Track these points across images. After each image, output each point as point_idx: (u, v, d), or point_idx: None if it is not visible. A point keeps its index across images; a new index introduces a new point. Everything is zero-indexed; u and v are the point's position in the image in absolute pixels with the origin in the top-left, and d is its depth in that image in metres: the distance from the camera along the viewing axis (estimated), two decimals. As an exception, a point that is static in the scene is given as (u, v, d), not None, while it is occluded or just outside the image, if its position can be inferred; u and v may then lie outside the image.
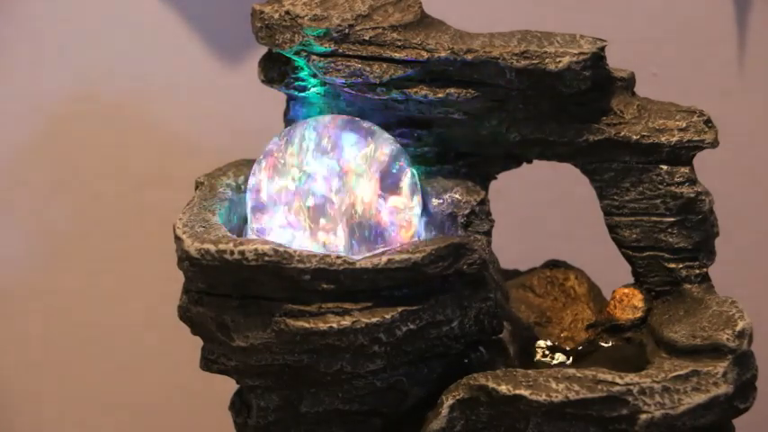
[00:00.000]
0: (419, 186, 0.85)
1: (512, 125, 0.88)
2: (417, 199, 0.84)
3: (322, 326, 0.78)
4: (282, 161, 0.83)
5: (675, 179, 0.88)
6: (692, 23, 1.26)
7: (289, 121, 0.89)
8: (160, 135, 1.24)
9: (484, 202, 0.87)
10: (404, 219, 0.83)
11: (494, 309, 0.83)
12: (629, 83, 0.89)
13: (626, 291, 0.91)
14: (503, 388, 0.79)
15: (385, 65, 0.85)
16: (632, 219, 0.89)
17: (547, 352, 0.90)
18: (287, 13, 0.84)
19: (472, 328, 0.83)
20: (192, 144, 1.23)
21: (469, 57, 0.84)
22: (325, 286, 0.78)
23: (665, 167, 0.88)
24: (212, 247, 0.78)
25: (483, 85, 0.86)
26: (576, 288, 0.94)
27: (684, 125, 0.87)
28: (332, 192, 0.82)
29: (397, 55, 0.85)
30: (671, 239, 0.88)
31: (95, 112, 1.23)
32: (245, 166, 0.88)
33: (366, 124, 0.85)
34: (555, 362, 0.89)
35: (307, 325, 0.78)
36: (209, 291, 0.80)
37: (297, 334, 0.78)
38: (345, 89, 0.86)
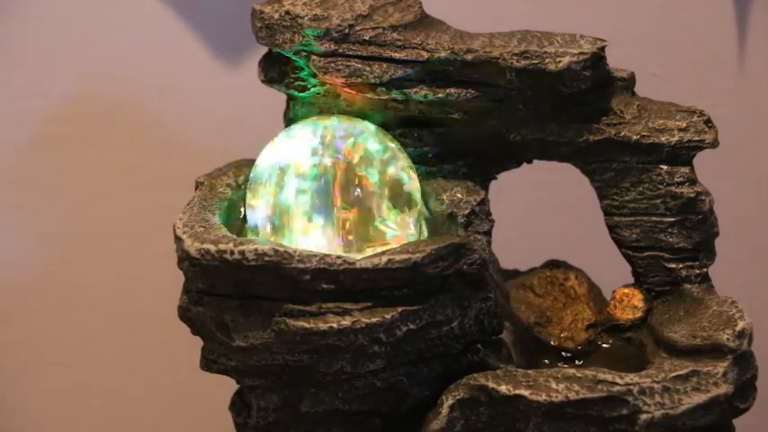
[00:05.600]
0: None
1: (512, 125, 0.88)
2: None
3: (322, 326, 0.78)
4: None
5: (675, 179, 0.88)
6: (692, 23, 1.26)
7: (289, 120, 0.89)
8: (160, 135, 1.24)
9: (484, 202, 0.87)
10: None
11: (494, 309, 0.83)
12: (629, 83, 0.89)
13: (626, 291, 0.91)
14: (503, 388, 0.79)
15: (385, 65, 0.85)
16: (632, 219, 0.89)
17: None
18: (287, 13, 0.84)
19: (472, 328, 0.83)
20: (192, 144, 1.23)
21: (469, 57, 0.84)
22: (325, 286, 0.78)
23: (665, 167, 0.88)
24: (212, 247, 0.78)
25: (483, 85, 0.86)
26: (575, 288, 0.94)
27: (684, 125, 0.87)
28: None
29: (397, 55, 0.85)
30: (671, 239, 0.88)
31: (95, 113, 1.23)
32: (245, 166, 0.88)
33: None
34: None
35: (307, 325, 0.78)
36: (209, 291, 0.80)
37: (297, 334, 0.78)
38: (345, 89, 0.86)
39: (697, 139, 0.87)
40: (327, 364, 0.80)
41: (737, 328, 0.82)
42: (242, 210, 0.86)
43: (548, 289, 0.95)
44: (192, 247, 0.78)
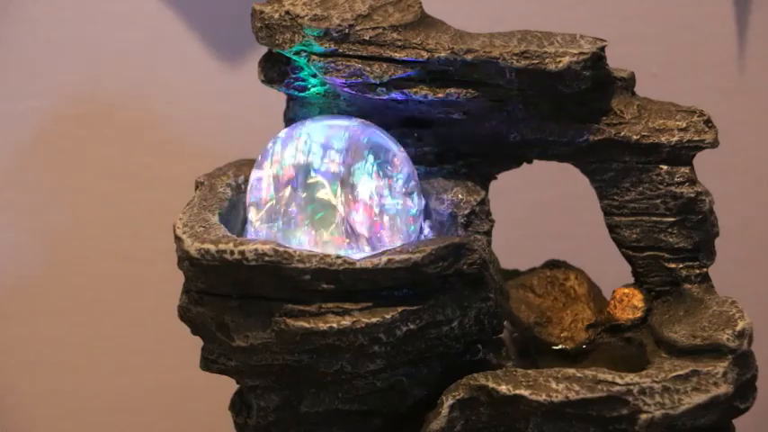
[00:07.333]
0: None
1: (512, 125, 0.88)
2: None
3: (322, 326, 0.78)
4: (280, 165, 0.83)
5: (675, 179, 0.88)
6: (692, 23, 1.26)
7: (289, 120, 0.89)
8: (160, 135, 1.24)
9: (484, 202, 0.87)
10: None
11: (494, 309, 0.83)
12: (629, 83, 0.89)
13: (626, 291, 0.91)
14: (503, 388, 0.79)
15: (385, 65, 0.85)
16: (632, 219, 0.89)
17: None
18: (287, 13, 0.84)
19: (472, 328, 0.83)
20: (192, 144, 1.23)
21: (469, 57, 0.84)
22: (325, 286, 0.78)
23: (665, 167, 0.88)
24: (212, 247, 0.78)
25: (483, 85, 0.86)
26: (576, 288, 0.94)
27: (684, 125, 0.87)
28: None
29: (397, 55, 0.85)
30: (671, 239, 0.88)
31: (95, 112, 1.23)
32: (246, 165, 0.88)
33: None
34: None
35: (307, 325, 0.78)
36: (209, 291, 0.80)
37: (297, 334, 0.78)
38: (345, 89, 0.86)
39: (697, 139, 0.87)
40: (327, 364, 0.80)
41: (737, 328, 0.82)
42: (242, 210, 0.86)
43: (548, 289, 0.95)
44: (192, 247, 0.78)
